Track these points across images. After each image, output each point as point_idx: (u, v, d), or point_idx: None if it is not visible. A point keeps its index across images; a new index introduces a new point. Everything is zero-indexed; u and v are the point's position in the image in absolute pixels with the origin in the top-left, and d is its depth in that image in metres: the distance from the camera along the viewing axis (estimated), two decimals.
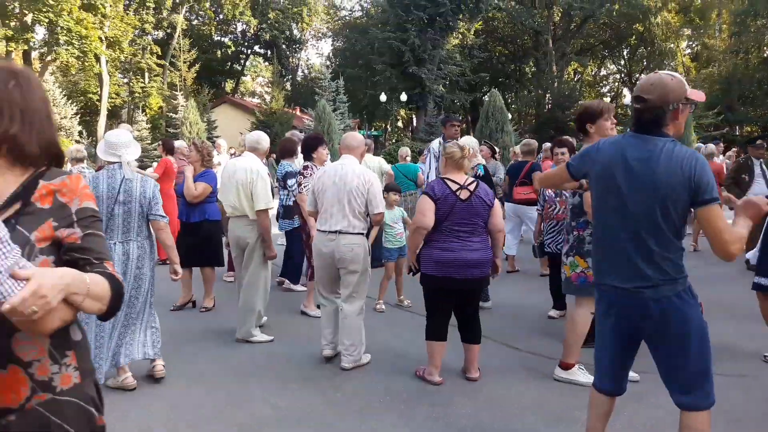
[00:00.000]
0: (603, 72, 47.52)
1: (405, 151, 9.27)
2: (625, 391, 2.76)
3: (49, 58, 28.37)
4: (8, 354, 1.38)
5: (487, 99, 21.60)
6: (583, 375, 4.09)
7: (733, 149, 15.64)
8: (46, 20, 26.51)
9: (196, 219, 5.89)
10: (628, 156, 2.47)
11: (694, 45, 42.51)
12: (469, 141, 6.04)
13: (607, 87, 47.65)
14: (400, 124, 44.35)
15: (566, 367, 4.14)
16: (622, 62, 44.42)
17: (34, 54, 29.16)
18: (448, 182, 4.00)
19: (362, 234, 4.43)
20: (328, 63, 42.17)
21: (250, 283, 4.96)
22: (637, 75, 39.95)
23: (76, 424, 1.45)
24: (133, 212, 3.95)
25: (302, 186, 5.55)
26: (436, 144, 6.58)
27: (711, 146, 10.67)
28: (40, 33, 28.82)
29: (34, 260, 1.36)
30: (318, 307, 5.74)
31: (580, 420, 3.29)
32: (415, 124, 39.23)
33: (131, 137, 4.13)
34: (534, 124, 35.84)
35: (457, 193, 3.96)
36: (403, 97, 30.14)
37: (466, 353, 4.21)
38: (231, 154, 10.86)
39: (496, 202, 4.14)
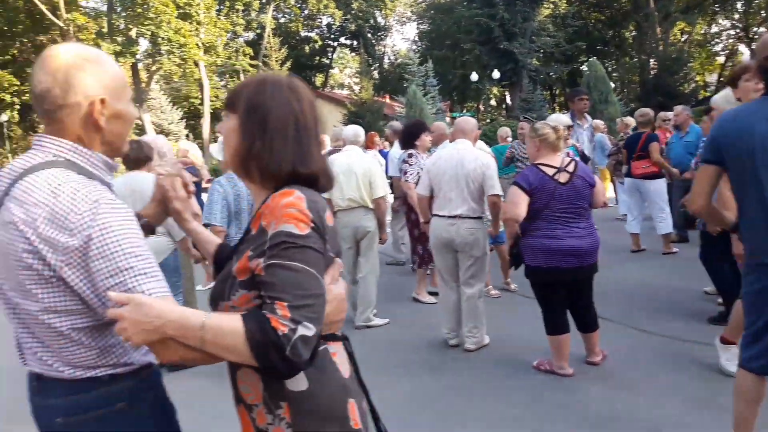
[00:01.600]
0: (714, 29, 43.61)
1: (505, 131, 8.87)
2: None
3: (153, 68, 30.06)
4: (236, 392, 1.35)
5: (586, 69, 20.40)
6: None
7: None
8: (149, 33, 28.15)
9: None
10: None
11: None
12: (560, 119, 5.60)
13: (720, 45, 43.73)
14: (493, 102, 43.20)
15: (728, 342, 3.71)
16: (737, 16, 40.55)
17: (140, 65, 30.99)
18: (543, 168, 3.75)
19: (481, 218, 4.37)
20: (414, 47, 41.68)
21: (369, 270, 5.08)
22: (756, 29, 36.35)
23: None
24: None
25: (408, 174, 5.54)
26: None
27: None
28: (143, 45, 30.60)
29: (234, 294, 1.26)
30: (430, 294, 5.64)
31: (726, 408, 2.91)
32: (509, 101, 38.09)
33: None
34: (639, 92, 33.62)
35: (556, 177, 3.70)
36: (495, 74, 29.26)
37: (585, 341, 4.02)
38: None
39: (597, 180, 3.88)
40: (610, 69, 36.38)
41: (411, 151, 5.68)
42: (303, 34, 46.85)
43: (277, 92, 1.35)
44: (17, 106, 35.02)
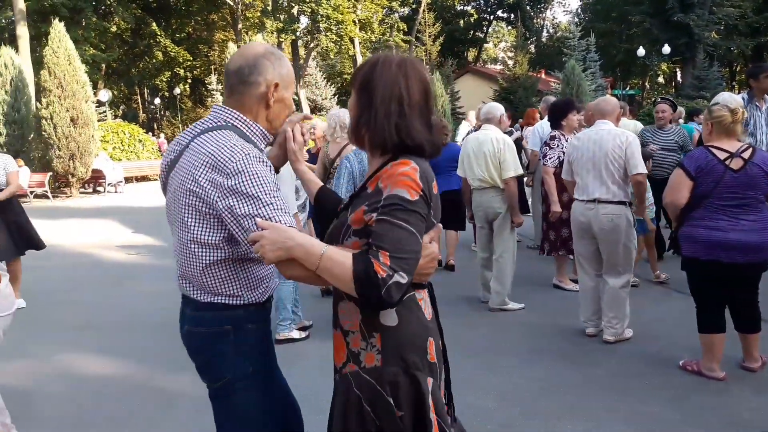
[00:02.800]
0: None
1: (678, 111, 8.04)
2: None
3: (311, 45, 31.54)
4: (336, 318, 1.62)
5: None
6: None
7: None
8: (309, 10, 29.48)
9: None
10: None
11: None
12: (733, 99, 4.91)
13: None
14: (660, 79, 39.80)
15: None
16: None
17: (300, 42, 32.66)
18: (715, 151, 3.38)
19: (624, 203, 4.06)
20: (576, 20, 39.46)
21: (503, 252, 4.94)
22: None
23: (371, 404, 1.53)
24: None
25: (547, 158, 5.34)
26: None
27: None
28: (303, 22, 32.16)
29: (347, 240, 1.52)
30: (573, 281, 5.41)
31: None
32: (679, 79, 34.86)
33: None
34: None
35: (727, 162, 3.31)
36: (666, 49, 26.86)
37: (742, 342, 3.64)
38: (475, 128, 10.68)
39: None
40: None
41: (554, 132, 5.44)
42: (459, 8, 46.32)
43: (385, 71, 1.54)
44: (189, 81, 38.71)
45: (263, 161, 1.61)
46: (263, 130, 1.77)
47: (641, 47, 27.87)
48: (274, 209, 1.53)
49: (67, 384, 3.87)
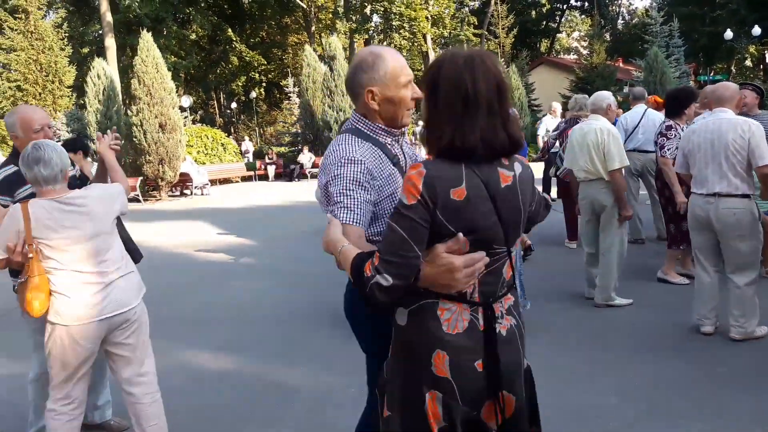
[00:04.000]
0: None
1: None
2: None
3: (385, 43, 31.67)
4: None
5: None
6: None
7: None
8: (381, 9, 29.59)
9: None
10: None
11: None
12: None
13: None
14: (748, 62, 37.50)
15: None
16: None
17: (373, 42, 32.87)
18: None
19: (747, 196, 3.83)
20: (654, 4, 37.76)
21: (609, 246, 4.80)
22: None
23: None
24: None
25: (665, 148, 5.15)
26: None
27: None
28: (375, 20, 32.33)
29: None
30: (682, 275, 5.29)
31: None
32: None
33: None
34: None
35: None
36: (756, 30, 25.20)
37: None
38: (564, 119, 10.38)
39: None
40: None
41: (670, 122, 5.21)
42: None
43: (449, 69, 1.53)
44: (264, 84, 39.66)
45: (354, 161, 1.81)
46: (383, 127, 1.96)
47: (728, 29, 26.35)
48: (339, 207, 1.74)
49: (187, 378, 4.04)
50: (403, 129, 2.01)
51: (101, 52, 24.65)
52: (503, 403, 1.57)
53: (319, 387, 3.71)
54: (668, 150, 5.08)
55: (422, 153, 5.71)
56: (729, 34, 25.85)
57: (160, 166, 16.72)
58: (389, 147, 1.95)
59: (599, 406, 3.21)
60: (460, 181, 1.48)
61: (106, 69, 17.92)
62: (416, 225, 1.46)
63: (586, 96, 6.24)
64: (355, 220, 1.73)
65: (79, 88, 23.28)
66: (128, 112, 17.09)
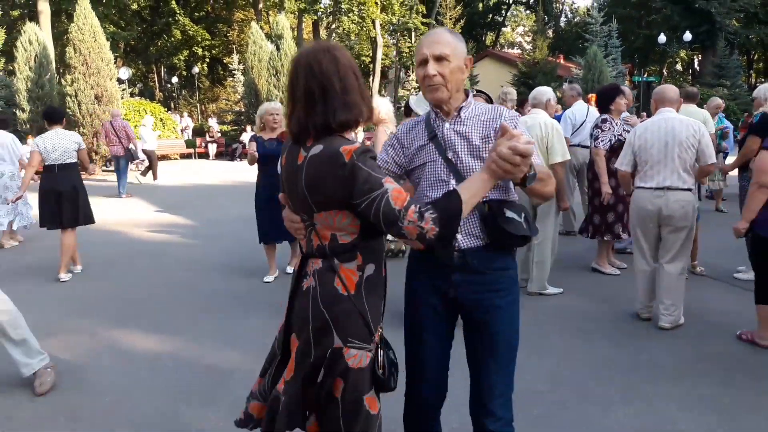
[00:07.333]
0: None
1: (717, 102, 7.93)
2: None
3: (333, 26, 31.36)
4: None
5: None
6: None
7: None
8: None
9: None
10: None
11: None
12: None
13: None
14: (678, 67, 39.32)
15: None
16: None
17: (323, 24, 32.48)
18: None
19: (691, 190, 4.16)
20: (595, 4, 38.97)
21: (544, 238, 4.96)
22: None
23: None
24: None
25: (599, 140, 5.37)
26: None
27: None
28: (324, 3, 31.93)
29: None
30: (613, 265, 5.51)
31: None
32: (697, 66, 34.39)
33: None
34: None
35: None
36: (687, 36, 26.46)
37: None
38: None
39: None
40: None
41: (605, 116, 5.45)
42: None
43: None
44: (207, 60, 38.54)
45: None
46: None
47: (662, 34, 27.53)
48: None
49: (118, 358, 3.94)
50: (443, 106, 1.98)
51: (33, 17, 23.27)
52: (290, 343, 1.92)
53: (254, 369, 3.67)
54: (601, 141, 5.33)
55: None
56: (662, 38, 27.00)
57: (95, 139, 16.05)
58: (431, 122, 2.03)
59: (529, 391, 3.31)
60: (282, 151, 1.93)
61: (38, 34, 17.01)
62: None
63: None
64: None
65: (7, 53, 21.96)
66: (62, 81, 16.31)
